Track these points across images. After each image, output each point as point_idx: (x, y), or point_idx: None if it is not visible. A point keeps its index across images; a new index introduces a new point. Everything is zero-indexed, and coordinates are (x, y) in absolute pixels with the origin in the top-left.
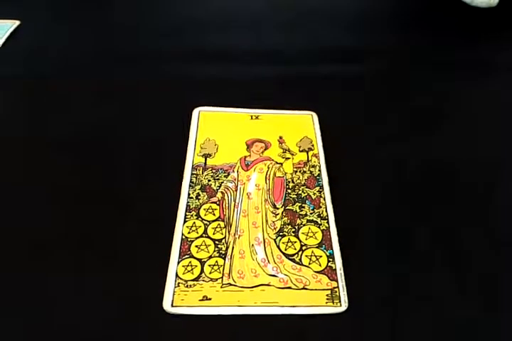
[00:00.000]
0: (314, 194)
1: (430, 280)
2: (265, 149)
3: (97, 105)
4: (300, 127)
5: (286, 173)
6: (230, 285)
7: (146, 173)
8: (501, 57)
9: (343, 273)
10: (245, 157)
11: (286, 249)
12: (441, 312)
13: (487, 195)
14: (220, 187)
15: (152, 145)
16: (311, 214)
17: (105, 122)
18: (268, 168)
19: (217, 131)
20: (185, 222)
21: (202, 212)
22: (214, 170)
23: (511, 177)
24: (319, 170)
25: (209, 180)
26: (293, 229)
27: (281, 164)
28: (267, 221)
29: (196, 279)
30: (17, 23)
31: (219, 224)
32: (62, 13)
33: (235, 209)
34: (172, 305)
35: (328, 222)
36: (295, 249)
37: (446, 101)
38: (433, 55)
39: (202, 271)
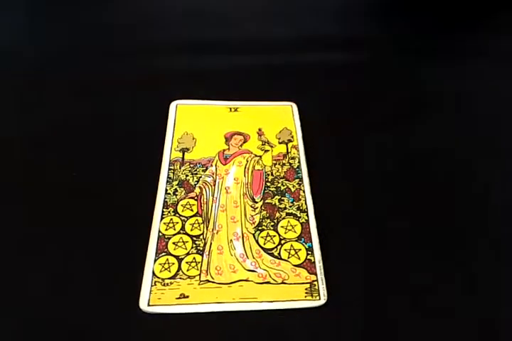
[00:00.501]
0: (294, 186)
1: (409, 272)
2: (244, 142)
3: (72, 100)
4: (279, 118)
5: (265, 166)
6: (208, 282)
7: (122, 169)
8: (490, 44)
9: (322, 266)
10: (224, 150)
11: (265, 243)
12: (422, 303)
13: (467, 183)
14: (198, 182)
15: (128, 140)
16: (290, 207)
17: (80, 117)
18: (247, 161)
19: (195, 124)
20: (162, 218)
21: (179, 208)
22: (192, 165)
23: (490, 166)
24: (299, 162)
25: (187, 175)
26: (272, 223)
27: (261, 157)
28: (245, 215)
29: (173, 277)
30: None
31: (197, 220)
32: (38, 8)
33: (213, 204)
34: (149, 305)
35: (307, 215)
36: (274, 243)
37: (429, 89)
38: (415, 42)
39: (179, 268)
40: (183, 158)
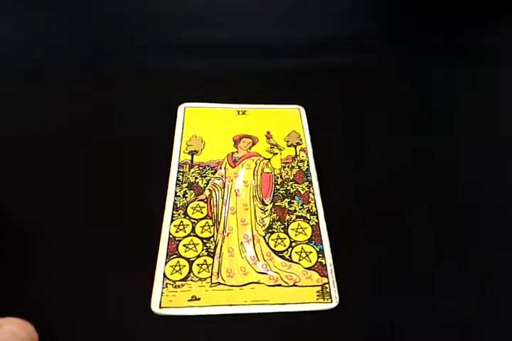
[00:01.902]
0: (303, 189)
1: (422, 274)
2: (253, 145)
3: (77, 101)
4: (287, 121)
5: (274, 169)
6: (220, 284)
7: (131, 172)
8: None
9: (333, 269)
10: (232, 153)
11: (275, 246)
12: (435, 306)
13: (483, 185)
14: (207, 184)
15: (137, 142)
16: (300, 209)
17: (87, 119)
18: (256, 163)
19: (203, 127)
20: (172, 220)
21: (189, 211)
22: (201, 168)
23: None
24: (308, 165)
25: (196, 178)
26: (282, 226)
27: (269, 160)
28: (255, 218)
29: (184, 279)
30: None
31: (207, 222)
32: (39, 7)
33: (223, 207)
34: (160, 307)
35: (317, 218)
36: (284, 245)
37: (440, 90)
38: (425, 44)
39: (190, 270)
40: (192, 160)
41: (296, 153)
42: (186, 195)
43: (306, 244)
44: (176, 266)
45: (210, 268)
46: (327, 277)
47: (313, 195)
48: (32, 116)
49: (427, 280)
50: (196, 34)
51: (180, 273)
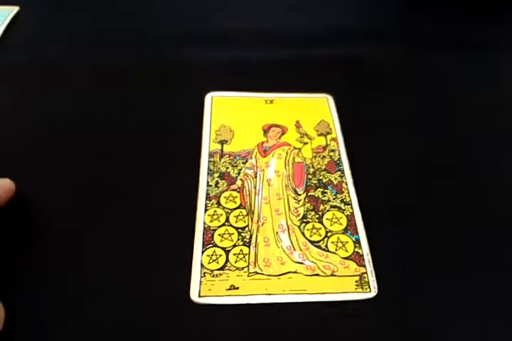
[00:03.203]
0: (336, 179)
1: (458, 262)
2: (282, 134)
3: (105, 93)
4: (316, 110)
5: (305, 158)
6: (257, 273)
7: (162, 162)
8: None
9: (370, 259)
10: (262, 143)
11: (311, 236)
12: (475, 295)
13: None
14: (239, 174)
15: (166, 132)
16: (334, 199)
17: (115, 110)
18: (286, 153)
19: (231, 116)
20: (206, 210)
21: (222, 200)
22: (231, 157)
23: None
24: (339, 155)
25: (227, 167)
26: (317, 216)
27: (300, 149)
28: (289, 207)
29: (222, 268)
30: (16, 8)
31: (241, 212)
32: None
33: (256, 197)
34: (199, 296)
35: (352, 207)
36: (320, 235)
37: (457, 82)
38: (450, 34)
39: (227, 260)
40: (222, 150)
41: (326, 142)
42: (218, 185)
43: (342, 233)
44: (212, 255)
45: (246, 257)
46: (365, 267)
47: (347, 184)
48: (60, 107)
49: (465, 270)
50: (221, 25)
51: (218, 263)
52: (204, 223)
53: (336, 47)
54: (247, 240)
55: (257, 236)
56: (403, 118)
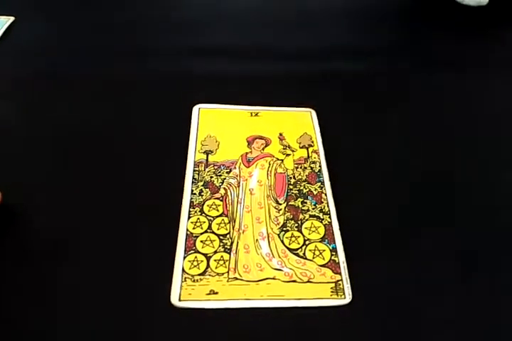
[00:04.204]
0: (316, 189)
1: (432, 271)
2: (266, 146)
3: (94, 103)
4: (299, 124)
5: (287, 169)
6: (236, 279)
7: (148, 170)
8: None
9: (346, 267)
10: (246, 153)
11: (290, 244)
12: (445, 300)
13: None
14: (222, 183)
15: (153, 142)
16: (313, 209)
17: (104, 120)
18: (269, 164)
19: (217, 127)
20: (189, 217)
21: (206, 208)
22: (216, 167)
23: None
24: (320, 166)
25: (211, 177)
26: (296, 224)
27: (282, 160)
28: (270, 216)
29: (202, 274)
30: (11, 19)
31: (223, 220)
32: (57, 9)
33: (239, 205)
34: (180, 300)
35: (330, 217)
36: (298, 243)
37: (446, 99)
38: (430, 53)
39: (208, 265)
40: (207, 159)
41: (308, 154)
42: (202, 193)
43: (320, 242)
44: (193, 261)
45: (227, 263)
46: (340, 274)
47: (326, 195)
48: (50, 118)
49: (441, 276)
50: (211, 38)
51: (198, 268)
52: (187, 230)
53: (325, 64)
54: (228, 247)
55: (237, 243)
56: (385, 132)
